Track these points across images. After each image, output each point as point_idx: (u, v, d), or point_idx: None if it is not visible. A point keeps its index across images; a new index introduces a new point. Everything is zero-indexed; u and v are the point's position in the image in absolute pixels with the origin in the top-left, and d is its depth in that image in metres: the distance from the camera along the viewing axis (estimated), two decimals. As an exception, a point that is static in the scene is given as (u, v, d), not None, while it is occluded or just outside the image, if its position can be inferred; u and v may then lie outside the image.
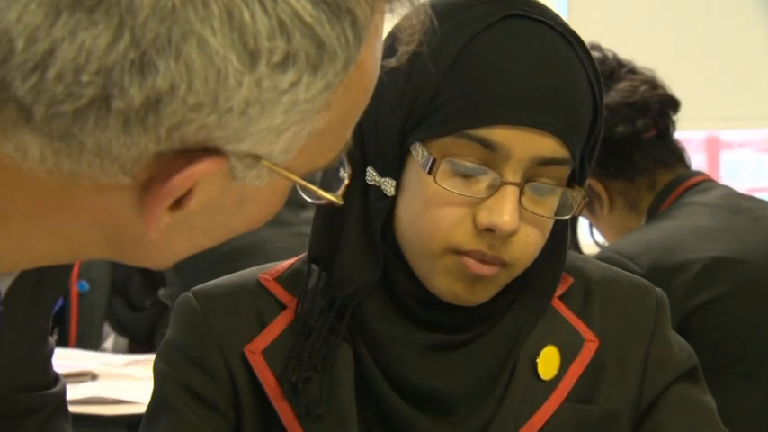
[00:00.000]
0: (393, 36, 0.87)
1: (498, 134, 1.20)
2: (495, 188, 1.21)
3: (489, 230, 1.20)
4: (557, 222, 1.27)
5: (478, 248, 1.21)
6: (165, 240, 0.83)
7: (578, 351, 1.31)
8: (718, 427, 1.35)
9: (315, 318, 1.28)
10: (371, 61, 0.83)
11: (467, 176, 1.21)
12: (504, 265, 1.23)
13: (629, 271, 1.42)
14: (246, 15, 0.76)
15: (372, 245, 1.26)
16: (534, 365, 1.29)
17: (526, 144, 1.20)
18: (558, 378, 1.30)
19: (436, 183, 1.21)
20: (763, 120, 4.72)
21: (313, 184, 0.86)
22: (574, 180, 1.26)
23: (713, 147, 4.88)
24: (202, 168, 0.79)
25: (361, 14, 0.79)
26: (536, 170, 1.21)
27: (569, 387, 1.30)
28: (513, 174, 1.20)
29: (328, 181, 0.89)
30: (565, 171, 1.24)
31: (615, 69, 2.32)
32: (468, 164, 1.21)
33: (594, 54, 2.27)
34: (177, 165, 0.79)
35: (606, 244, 2.38)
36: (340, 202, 0.88)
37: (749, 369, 2.17)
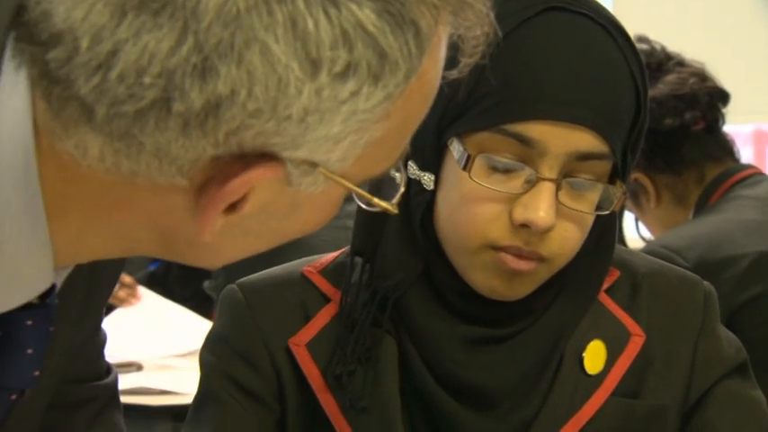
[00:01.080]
0: (456, 47, 0.86)
1: (534, 129, 1.19)
2: (531, 184, 1.20)
3: (525, 226, 1.20)
4: (603, 218, 1.26)
5: (515, 244, 1.21)
6: (219, 242, 0.84)
7: (625, 345, 1.30)
8: (767, 423, 1.34)
9: (359, 310, 1.28)
10: (433, 72, 0.83)
11: (503, 172, 1.20)
12: (541, 260, 1.22)
13: (675, 265, 1.41)
14: (310, 24, 0.76)
15: (413, 238, 1.26)
16: (580, 360, 1.29)
17: (563, 139, 1.19)
18: (604, 372, 1.29)
19: (471, 179, 1.20)
20: (813, 113, 4.68)
21: (366, 189, 0.86)
22: (616, 175, 1.25)
23: (761, 140, 4.84)
24: (259, 174, 0.79)
25: (425, 25, 0.79)
26: (574, 165, 1.20)
27: (616, 381, 1.29)
28: (549, 169, 1.19)
29: (380, 185, 0.89)
30: (604, 166, 1.22)
31: (663, 62, 2.30)
32: (505, 159, 1.20)
33: (642, 46, 2.28)
34: (234, 169, 0.79)
35: (652, 238, 2.36)
36: (395, 210, 0.88)
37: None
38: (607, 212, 1.25)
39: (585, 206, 1.23)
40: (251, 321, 1.30)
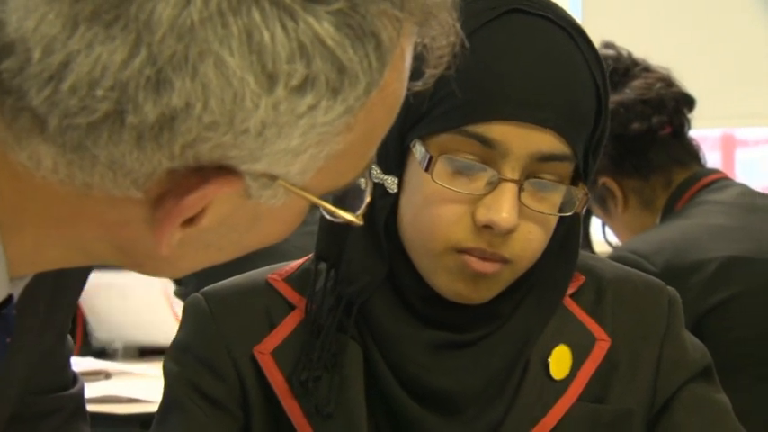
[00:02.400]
0: (421, 58, 0.86)
1: (496, 130, 1.19)
2: (493, 185, 1.20)
3: (488, 227, 1.20)
4: (567, 220, 1.26)
5: (478, 246, 1.21)
6: (179, 254, 0.83)
7: (590, 350, 1.30)
8: (733, 426, 1.34)
9: (324, 316, 1.27)
10: (397, 84, 0.82)
11: (466, 174, 1.20)
12: (505, 261, 1.22)
13: (643, 270, 1.41)
14: (266, 37, 0.75)
15: (377, 242, 1.26)
16: (546, 365, 1.29)
17: (524, 140, 1.19)
18: (570, 377, 1.29)
19: (434, 180, 1.20)
20: (780, 118, 4.71)
21: (330, 199, 0.85)
22: (578, 177, 1.25)
23: (729, 144, 4.86)
24: (216, 188, 0.78)
25: (386, 38, 0.78)
26: (536, 166, 1.20)
27: (582, 386, 1.29)
28: (511, 170, 1.20)
29: (345, 195, 0.88)
30: (566, 167, 1.23)
31: (630, 67, 2.31)
32: (466, 160, 1.20)
33: (609, 52, 2.29)
34: (191, 182, 0.78)
35: (619, 244, 2.37)
36: (360, 222, 0.87)
37: (765, 369, 2.15)
38: (569, 214, 1.25)
39: (548, 207, 1.23)
40: (214, 330, 1.30)
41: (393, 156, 1.24)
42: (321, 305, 1.28)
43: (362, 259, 1.26)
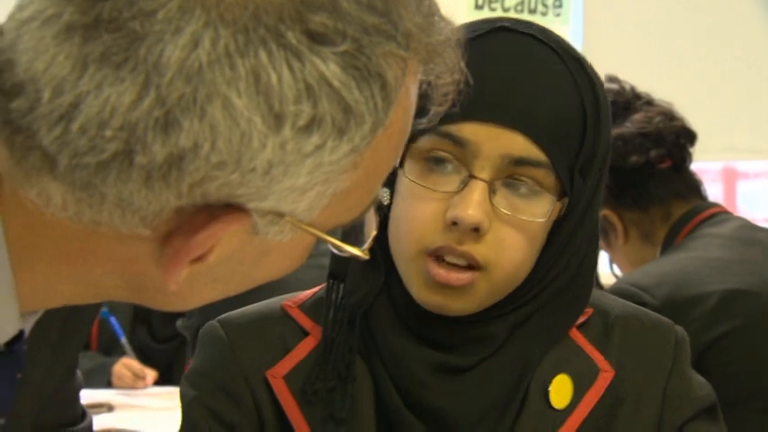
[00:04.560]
0: (425, 95, 0.87)
1: (466, 130, 1.21)
2: (464, 183, 1.22)
3: (456, 224, 1.21)
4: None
5: (447, 243, 1.21)
6: (187, 288, 0.84)
7: (593, 380, 1.30)
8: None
9: (335, 329, 1.29)
10: (402, 122, 0.84)
11: (439, 172, 1.22)
12: (478, 268, 1.22)
13: (643, 303, 1.42)
14: (273, 79, 0.76)
15: (373, 254, 1.27)
16: (546, 394, 1.28)
17: (495, 141, 1.21)
18: (571, 407, 1.29)
19: (405, 176, 1.22)
20: (780, 151, 4.72)
21: (338, 233, 0.86)
22: (565, 191, 1.25)
23: (730, 177, 4.88)
24: (224, 226, 0.80)
25: (392, 78, 0.80)
26: (510, 170, 1.22)
27: (583, 416, 1.28)
28: (480, 170, 1.21)
29: (352, 229, 0.89)
30: (543, 175, 1.22)
31: (632, 101, 2.32)
32: (438, 154, 1.22)
33: (612, 86, 2.30)
34: (199, 219, 0.80)
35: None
36: (366, 256, 0.88)
37: (766, 403, 2.15)
38: (542, 220, 1.24)
39: (525, 214, 1.23)
40: (232, 356, 1.31)
41: None
42: (335, 319, 1.29)
43: (361, 271, 1.28)
